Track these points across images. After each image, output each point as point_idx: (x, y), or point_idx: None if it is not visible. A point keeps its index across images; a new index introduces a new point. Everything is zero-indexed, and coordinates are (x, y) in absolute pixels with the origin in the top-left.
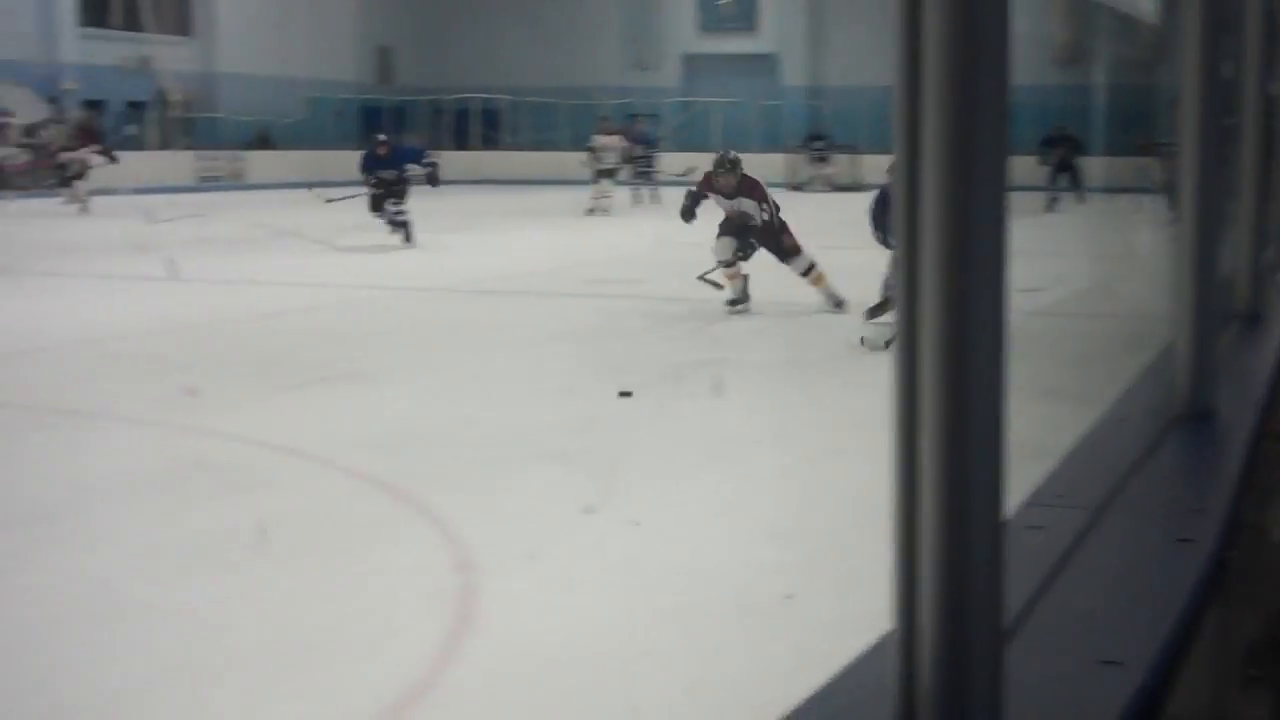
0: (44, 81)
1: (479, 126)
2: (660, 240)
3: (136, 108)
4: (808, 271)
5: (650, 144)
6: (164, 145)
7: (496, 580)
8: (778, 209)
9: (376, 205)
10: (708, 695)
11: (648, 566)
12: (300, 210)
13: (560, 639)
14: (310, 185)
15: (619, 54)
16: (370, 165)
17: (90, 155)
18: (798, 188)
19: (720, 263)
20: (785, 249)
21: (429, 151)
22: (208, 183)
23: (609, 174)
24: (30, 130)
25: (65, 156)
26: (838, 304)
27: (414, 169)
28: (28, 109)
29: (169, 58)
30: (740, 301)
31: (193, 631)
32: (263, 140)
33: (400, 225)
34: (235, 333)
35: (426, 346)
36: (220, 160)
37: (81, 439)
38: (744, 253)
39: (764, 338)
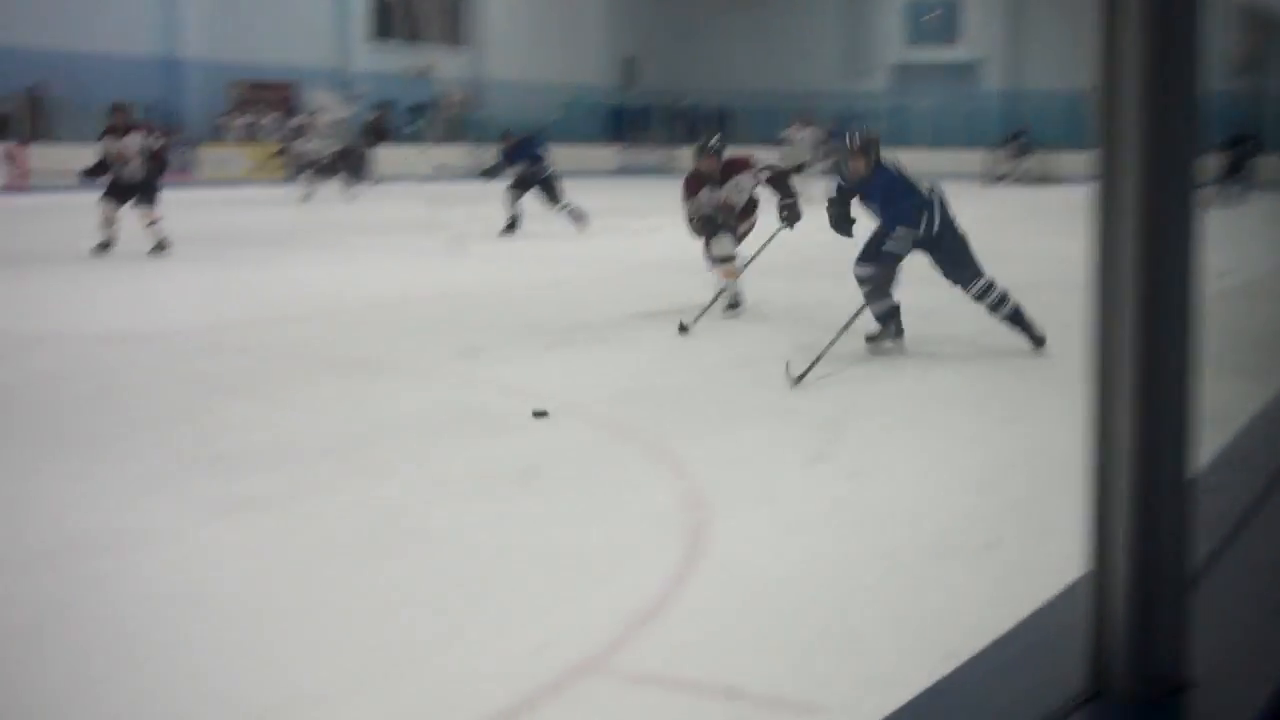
0: (341, 85)
1: (711, 125)
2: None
3: (418, 108)
4: (724, 260)
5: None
6: (442, 141)
7: (726, 518)
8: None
9: (516, 185)
10: (915, 624)
11: (862, 511)
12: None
13: (782, 571)
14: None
15: (836, 63)
16: (503, 157)
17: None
18: (1000, 178)
19: (720, 259)
20: (738, 229)
21: (542, 155)
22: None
23: (798, 169)
24: (331, 126)
25: (307, 151)
26: (733, 305)
27: (505, 166)
28: (330, 108)
29: (446, 65)
30: (714, 310)
31: (469, 551)
32: None
33: (567, 214)
34: (502, 300)
35: (661, 316)
36: (491, 154)
37: (372, 387)
38: (788, 221)
39: (960, 315)
